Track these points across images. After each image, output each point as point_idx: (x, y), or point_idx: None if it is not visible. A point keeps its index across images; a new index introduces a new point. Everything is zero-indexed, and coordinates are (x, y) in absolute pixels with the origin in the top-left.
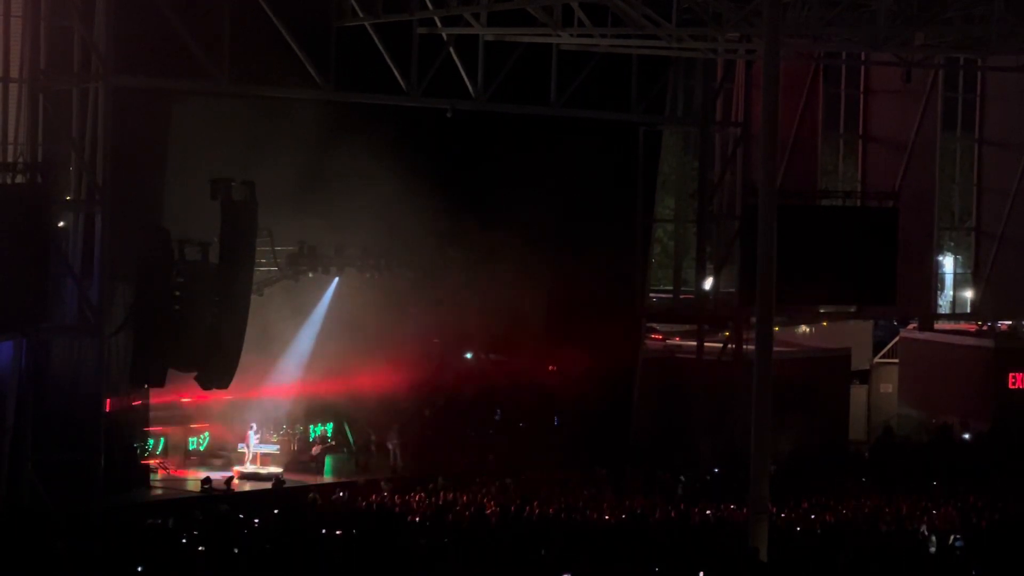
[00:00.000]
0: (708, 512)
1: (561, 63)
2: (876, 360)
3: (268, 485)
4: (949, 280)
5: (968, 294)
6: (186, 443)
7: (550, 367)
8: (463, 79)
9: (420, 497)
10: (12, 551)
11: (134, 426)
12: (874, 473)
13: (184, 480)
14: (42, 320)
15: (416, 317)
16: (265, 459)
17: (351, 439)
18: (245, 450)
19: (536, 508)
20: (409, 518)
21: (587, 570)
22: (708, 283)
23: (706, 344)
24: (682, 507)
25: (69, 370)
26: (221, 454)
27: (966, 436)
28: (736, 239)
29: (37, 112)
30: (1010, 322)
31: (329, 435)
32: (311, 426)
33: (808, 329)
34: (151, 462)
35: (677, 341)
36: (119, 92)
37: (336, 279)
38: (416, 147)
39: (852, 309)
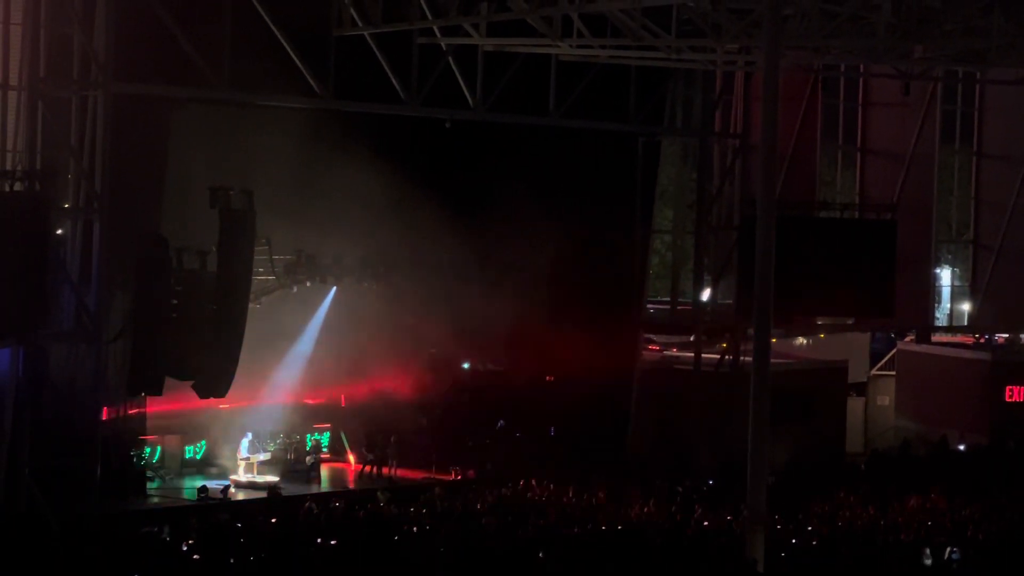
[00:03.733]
0: (705, 523)
1: (560, 74)
2: (873, 372)
3: (264, 494)
4: (946, 292)
5: (965, 307)
6: (183, 452)
7: (548, 377)
8: (462, 89)
9: (417, 506)
10: (10, 557)
11: (131, 434)
12: (871, 485)
13: (180, 489)
14: (40, 327)
15: (413, 327)
16: (261, 468)
17: (348, 448)
18: (240, 459)
19: (533, 518)
20: (405, 527)
21: None
22: (706, 294)
23: (703, 355)
24: (679, 517)
25: (66, 377)
26: (217, 463)
27: (961, 447)
28: (734, 250)
29: (36, 119)
30: (1007, 335)
31: (325, 444)
32: (308, 435)
33: (805, 341)
34: (148, 471)
35: (674, 352)
36: (118, 100)
37: (334, 288)
38: (415, 157)
39: (850, 321)
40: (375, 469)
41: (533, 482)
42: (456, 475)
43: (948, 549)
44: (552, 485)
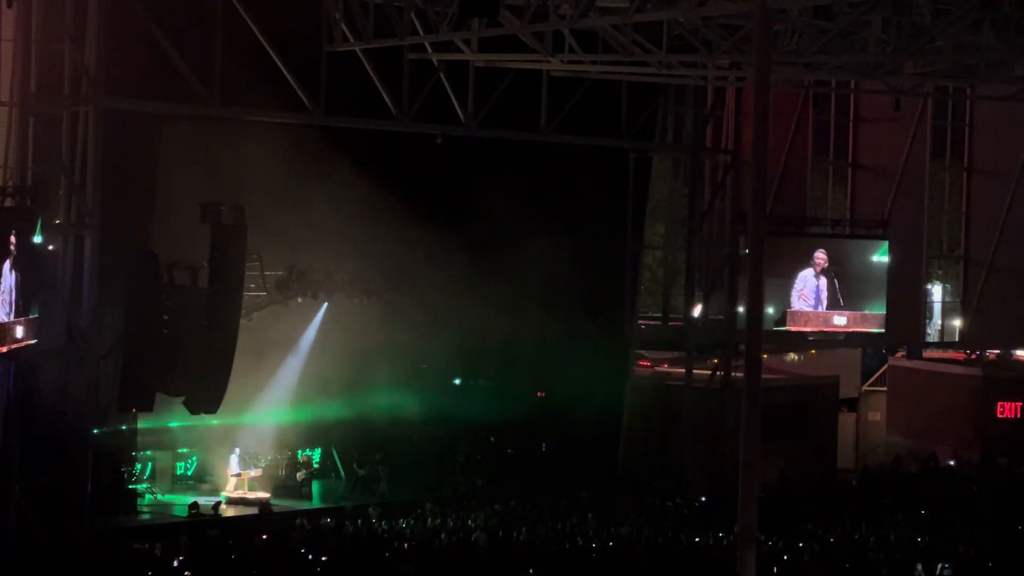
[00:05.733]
0: (696, 539)
1: (551, 89)
2: (864, 388)
3: (255, 510)
4: (937, 308)
5: (956, 323)
6: (174, 468)
7: (539, 393)
8: (453, 105)
9: (407, 523)
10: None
11: (122, 450)
12: (862, 500)
13: (171, 505)
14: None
15: (405, 342)
16: (253, 484)
17: (339, 465)
18: (231, 475)
19: (524, 533)
20: (396, 544)
21: None
22: (697, 310)
23: (695, 371)
24: (670, 534)
25: (57, 394)
26: (209, 479)
27: (951, 463)
28: (725, 266)
29: (27, 135)
30: (998, 351)
31: (316, 461)
32: (299, 451)
33: (797, 356)
34: (139, 487)
35: (666, 368)
36: (109, 115)
37: (325, 304)
38: (406, 172)
39: (841, 337)
40: (366, 485)
41: (525, 497)
42: (449, 491)
43: (940, 565)
44: (543, 500)
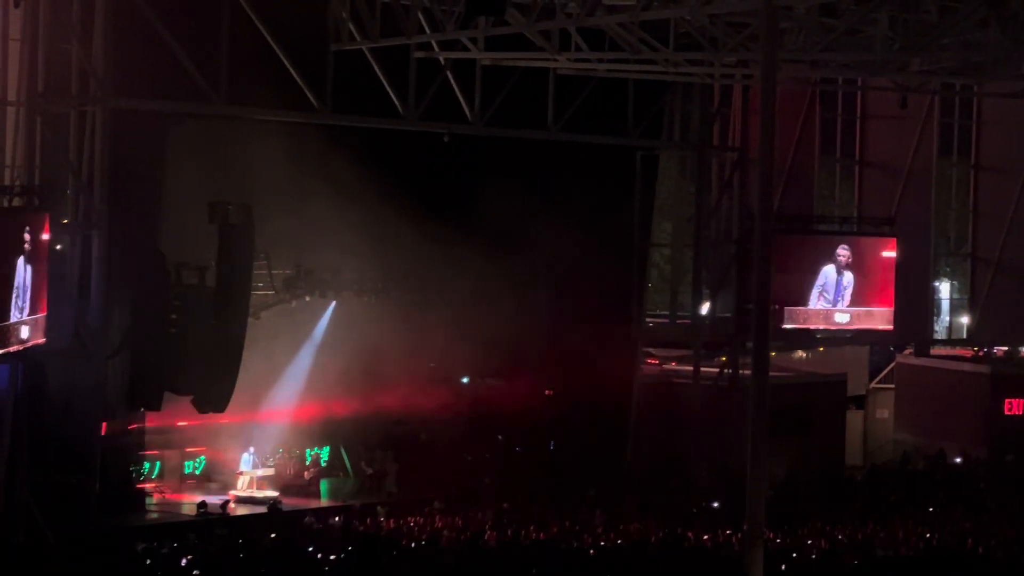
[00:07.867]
0: (704, 537)
1: (558, 88)
2: (872, 385)
3: (264, 509)
4: (945, 306)
5: (964, 320)
6: (182, 467)
7: (547, 391)
8: (460, 103)
9: (416, 521)
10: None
11: (130, 449)
12: (870, 498)
13: (180, 504)
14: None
15: (412, 341)
16: (261, 483)
17: (347, 463)
18: (239, 474)
19: (532, 532)
20: (404, 542)
21: None
22: (705, 308)
23: (702, 369)
24: (678, 532)
25: (65, 393)
26: (217, 478)
27: (957, 460)
28: (733, 264)
29: (35, 134)
30: (1006, 348)
31: (324, 459)
32: (307, 450)
33: (804, 354)
34: (147, 486)
35: (673, 366)
36: (117, 114)
37: (333, 303)
38: (413, 171)
39: (848, 334)
40: (374, 484)
41: (532, 496)
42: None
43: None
44: (551, 499)
